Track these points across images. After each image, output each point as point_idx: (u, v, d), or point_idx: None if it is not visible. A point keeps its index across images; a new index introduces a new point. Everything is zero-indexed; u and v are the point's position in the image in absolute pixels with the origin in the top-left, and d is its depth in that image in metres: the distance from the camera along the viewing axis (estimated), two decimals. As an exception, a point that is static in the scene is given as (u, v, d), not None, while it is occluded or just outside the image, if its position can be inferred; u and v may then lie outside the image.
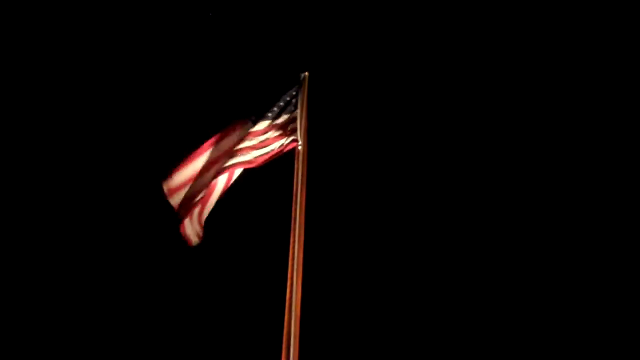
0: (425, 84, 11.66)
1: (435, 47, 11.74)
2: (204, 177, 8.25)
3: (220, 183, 8.29)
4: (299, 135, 8.23)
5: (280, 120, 8.37)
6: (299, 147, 8.17)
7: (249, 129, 8.36)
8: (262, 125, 8.37)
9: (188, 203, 8.24)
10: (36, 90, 11.65)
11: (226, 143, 8.32)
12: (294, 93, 8.43)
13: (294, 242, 7.83)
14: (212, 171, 8.23)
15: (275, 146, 8.28)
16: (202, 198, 8.20)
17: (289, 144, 8.24)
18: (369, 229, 11.38)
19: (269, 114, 8.42)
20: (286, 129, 8.32)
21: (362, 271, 11.27)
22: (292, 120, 8.34)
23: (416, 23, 11.75)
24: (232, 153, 8.24)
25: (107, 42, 11.73)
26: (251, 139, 8.30)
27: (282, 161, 8.32)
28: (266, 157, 8.27)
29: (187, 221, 8.26)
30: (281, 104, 8.43)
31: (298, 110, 8.33)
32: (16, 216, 11.37)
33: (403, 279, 11.26)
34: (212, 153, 8.31)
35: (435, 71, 11.69)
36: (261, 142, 8.31)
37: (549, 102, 11.71)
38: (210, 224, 11.06)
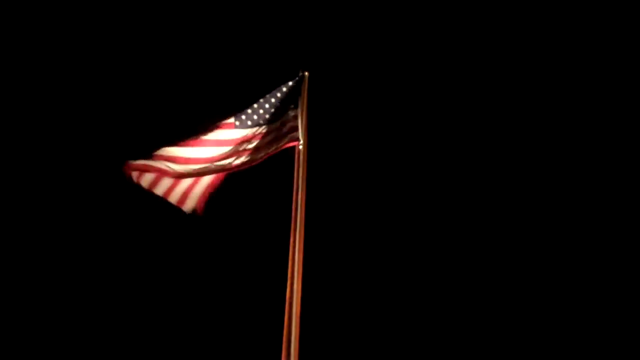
0: (425, 83, 11.65)
1: (434, 46, 11.74)
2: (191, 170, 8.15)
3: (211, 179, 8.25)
4: (300, 134, 8.22)
5: (279, 119, 8.35)
6: (300, 147, 8.16)
7: (245, 126, 8.32)
8: (260, 123, 8.34)
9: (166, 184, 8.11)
10: (34, 89, 11.65)
11: (219, 139, 8.24)
12: (284, 89, 8.40)
13: (294, 242, 7.81)
14: (204, 168, 8.15)
15: (274, 144, 8.26)
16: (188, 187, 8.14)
17: (287, 142, 8.22)
18: (369, 229, 11.37)
19: (267, 112, 8.39)
20: (285, 128, 8.30)
21: (362, 271, 11.27)
22: (291, 118, 8.32)
23: (416, 23, 11.74)
24: (228, 151, 8.20)
25: (107, 41, 11.73)
26: (250, 136, 8.28)
27: (282, 161, 8.31)
28: (265, 155, 8.25)
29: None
30: (277, 102, 8.40)
31: (298, 110, 8.32)
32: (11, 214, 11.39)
33: (403, 279, 11.25)
34: (203, 149, 8.22)
35: (435, 71, 11.68)
36: (260, 140, 8.29)
37: (549, 102, 11.71)
38: (210, 224, 11.07)
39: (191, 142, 8.19)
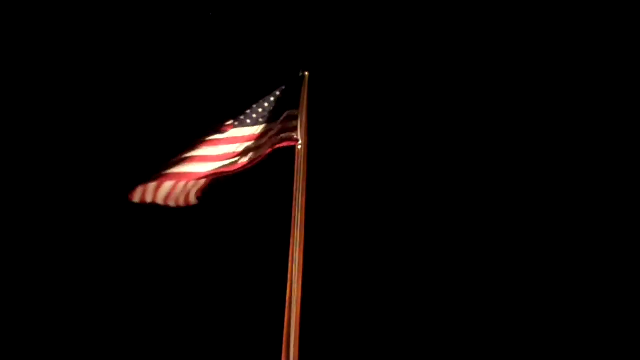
0: (425, 83, 11.65)
1: (434, 46, 11.73)
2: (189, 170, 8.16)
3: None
4: (299, 134, 8.22)
5: (279, 119, 8.35)
6: (299, 147, 8.16)
7: (244, 126, 8.32)
8: (260, 123, 8.34)
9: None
10: (32, 89, 11.66)
11: (218, 138, 8.26)
12: (284, 88, 8.40)
13: (294, 242, 7.82)
14: (206, 165, 8.16)
15: (273, 144, 8.26)
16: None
17: (286, 141, 8.23)
18: (369, 229, 11.37)
19: (267, 112, 8.39)
20: (285, 127, 8.30)
21: (362, 271, 11.26)
22: (291, 118, 8.32)
23: (416, 23, 11.74)
24: (228, 151, 8.20)
25: (107, 41, 11.73)
26: (250, 136, 8.27)
27: (282, 161, 8.31)
28: (264, 154, 8.25)
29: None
30: (276, 102, 8.40)
31: (298, 110, 8.32)
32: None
33: (403, 279, 11.25)
34: (203, 150, 8.23)
35: (435, 70, 11.68)
36: (260, 140, 8.29)
37: (549, 102, 11.72)
38: (210, 224, 11.07)
39: (193, 147, 8.22)
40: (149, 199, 8.19)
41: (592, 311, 11.09)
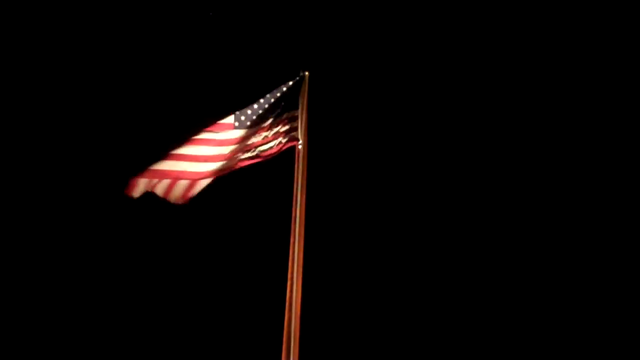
0: (425, 83, 11.65)
1: (434, 46, 11.74)
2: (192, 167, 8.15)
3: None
4: (299, 134, 8.23)
5: (279, 119, 8.35)
6: (299, 147, 8.17)
7: (244, 127, 8.32)
8: (260, 123, 8.34)
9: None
10: (33, 88, 11.66)
11: (218, 139, 8.25)
12: (284, 89, 8.39)
13: (294, 242, 7.82)
14: (207, 165, 8.15)
15: (274, 144, 8.27)
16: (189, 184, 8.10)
17: (287, 142, 8.23)
18: (369, 229, 11.37)
19: (267, 112, 8.39)
20: (285, 128, 8.31)
21: (362, 271, 11.27)
22: (291, 118, 8.33)
23: (416, 22, 11.74)
24: (228, 151, 8.20)
25: (108, 41, 11.73)
26: (250, 137, 8.28)
27: (282, 161, 8.32)
28: (265, 154, 8.25)
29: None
30: (277, 102, 8.40)
31: (298, 110, 8.32)
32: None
33: (403, 279, 11.25)
34: (203, 149, 8.22)
35: (435, 70, 11.68)
36: (260, 140, 8.30)
37: (549, 102, 11.72)
38: (211, 224, 11.08)
39: (189, 142, 8.20)
40: (148, 189, 8.10)
41: (592, 311, 11.10)
